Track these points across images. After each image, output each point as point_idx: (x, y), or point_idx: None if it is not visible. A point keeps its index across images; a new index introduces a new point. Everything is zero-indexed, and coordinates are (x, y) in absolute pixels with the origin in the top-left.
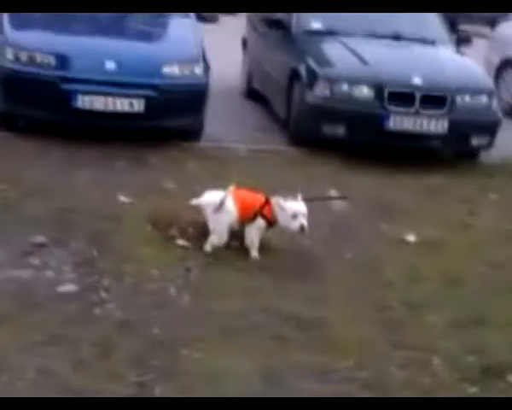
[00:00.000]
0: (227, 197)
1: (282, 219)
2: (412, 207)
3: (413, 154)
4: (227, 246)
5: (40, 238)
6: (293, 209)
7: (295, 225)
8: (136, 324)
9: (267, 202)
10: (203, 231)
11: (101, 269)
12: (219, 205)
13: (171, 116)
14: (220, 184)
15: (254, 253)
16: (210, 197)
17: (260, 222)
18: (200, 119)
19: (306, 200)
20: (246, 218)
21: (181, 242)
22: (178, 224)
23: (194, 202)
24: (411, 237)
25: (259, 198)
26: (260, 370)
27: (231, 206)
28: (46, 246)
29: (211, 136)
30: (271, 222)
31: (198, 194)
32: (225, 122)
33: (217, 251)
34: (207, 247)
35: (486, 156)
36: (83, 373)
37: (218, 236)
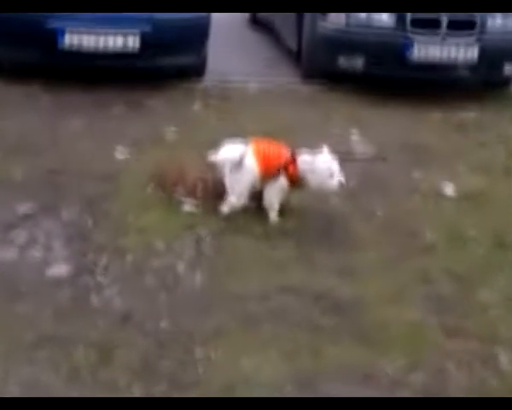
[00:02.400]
0: (247, 152)
1: (315, 178)
2: (445, 150)
3: (440, 86)
4: (245, 208)
5: (25, 207)
6: (329, 167)
7: (333, 183)
8: (140, 316)
9: (293, 158)
10: (214, 191)
11: (98, 244)
12: (239, 162)
13: (170, 53)
14: (230, 130)
15: (274, 216)
16: (228, 153)
17: (283, 181)
18: (202, 54)
19: (335, 157)
20: (268, 176)
21: (189, 204)
22: (185, 182)
23: (212, 158)
24: (449, 189)
25: (284, 153)
26: (291, 375)
27: (252, 162)
28: (32, 217)
29: (215, 72)
30: (296, 182)
31: (205, 144)
32: (229, 56)
33: (231, 215)
34: (224, 208)
35: None
36: (77, 386)
37: (236, 196)
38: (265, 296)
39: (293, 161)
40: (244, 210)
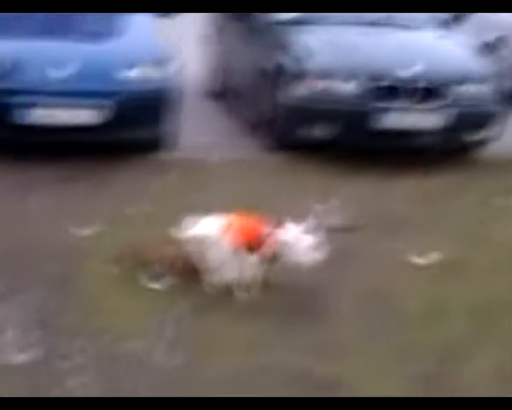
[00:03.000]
0: (223, 229)
1: (293, 253)
2: (417, 219)
3: (408, 153)
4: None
5: None
6: (305, 244)
7: (312, 258)
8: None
9: (268, 234)
10: (182, 270)
11: (65, 328)
12: (216, 237)
13: (134, 127)
14: (197, 205)
15: (245, 293)
16: (198, 229)
17: (254, 258)
18: (165, 127)
19: (312, 229)
20: (242, 251)
21: (158, 284)
22: (152, 261)
23: (189, 233)
24: (424, 259)
25: (260, 229)
26: None
27: (225, 239)
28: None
29: (179, 144)
30: (272, 257)
31: (170, 220)
32: (193, 127)
33: (200, 294)
34: (208, 289)
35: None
36: None
37: (214, 273)
38: (243, 376)
39: (270, 237)
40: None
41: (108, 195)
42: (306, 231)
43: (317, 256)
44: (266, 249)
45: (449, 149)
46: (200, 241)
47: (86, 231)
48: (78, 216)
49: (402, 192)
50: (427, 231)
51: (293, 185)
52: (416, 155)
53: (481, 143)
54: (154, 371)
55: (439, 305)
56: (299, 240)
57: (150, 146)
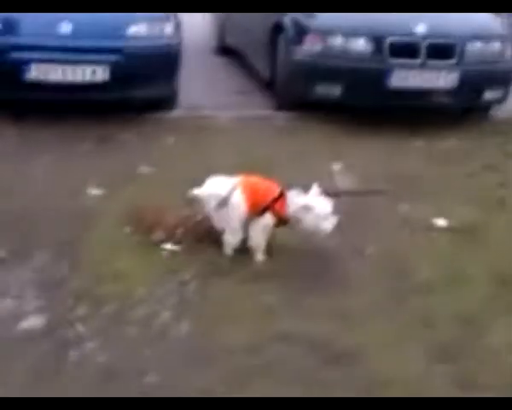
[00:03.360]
0: (234, 188)
1: (309, 220)
2: (431, 181)
3: (420, 113)
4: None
5: None
6: (324, 210)
7: (327, 226)
8: (125, 372)
9: (281, 195)
10: (195, 232)
11: (75, 292)
12: (225, 198)
13: (141, 84)
14: (205, 164)
15: (260, 256)
16: (213, 188)
17: (269, 219)
18: (173, 85)
19: (327, 194)
20: (254, 213)
21: (170, 247)
22: (164, 223)
23: (195, 192)
24: (441, 221)
25: (272, 190)
26: None
27: (239, 198)
28: (3, 262)
29: (186, 103)
30: (284, 220)
31: (181, 180)
32: (200, 85)
33: (215, 257)
34: (227, 250)
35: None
36: None
37: (231, 233)
38: (257, 347)
39: (282, 198)
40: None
41: (118, 154)
42: (323, 195)
43: (334, 222)
44: (283, 211)
45: (463, 109)
46: (217, 200)
47: (96, 192)
48: (88, 176)
49: (416, 153)
50: (443, 194)
51: (305, 145)
52: (429, 115)
53: (496, 102)
54: (163, 338)
55: (459, 271)
56: (317, 205)
57: (159, 104)
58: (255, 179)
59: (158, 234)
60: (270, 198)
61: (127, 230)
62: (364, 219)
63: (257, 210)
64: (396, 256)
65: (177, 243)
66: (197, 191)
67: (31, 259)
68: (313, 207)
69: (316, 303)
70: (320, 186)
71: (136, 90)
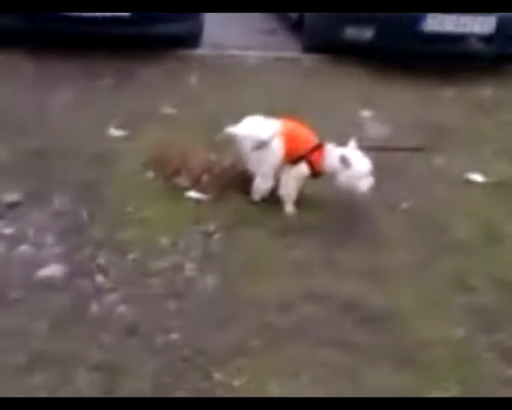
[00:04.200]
0: (274, 131)
1: (347, 177)
2: (466, 133)
3: (453, 59)
4: (272, 194)
5: (12, 195)
6: (363, 168)
7: (365, 186)
8: (147, 328)
9: (319, 146)
10: (222, 179)
11: (95, 239)
12: (265, 141)
13: (165, 19)
14: (231, 107)
15: (290, 207)
16: (252, 128)
17: (304, 169)
18: (199, 21)
19: (364, 148)
20: (290, 160)
21: (194, 194)
22: (189, 168)
23: (231, 131)
24: (477, 176)
25: (311, 139)
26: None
27: (279, 144)
28: (19, 206)
29: (211, 40)
30: (318, 173)
31: (206, 122)
32: (225, 23)
33: (241, 206)
34: (256, 196)
35: None
36: None
37: (263, 179)
38: (288, 306)
39: (320, 149)
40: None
41: (140, 92)
42: (360, 158)
43: (371, 182)
44: (319, 163)
45: (498, 57)
46: (255, 142)
47: (118, 132)
48: (109, 114)
49: (449, 102)
50: (479, 146)
51: (334, 90)
52: (462, 62)
53: None
54: (188, 293)
55: (496, 229)
56: (355, 162)
57: (184, 42)
58: (295, 126)
59: (182, 180)
60: (307, 147)
61: (150, 174)
62: (398, 173)
63: (292, 158)
64: (431, 213)
65: (201, 190)
66: (234, 130)
67: (49, 203)
68: (351, 163)
69: (347, 260)
70: (357, 140)
71: (161, 26)
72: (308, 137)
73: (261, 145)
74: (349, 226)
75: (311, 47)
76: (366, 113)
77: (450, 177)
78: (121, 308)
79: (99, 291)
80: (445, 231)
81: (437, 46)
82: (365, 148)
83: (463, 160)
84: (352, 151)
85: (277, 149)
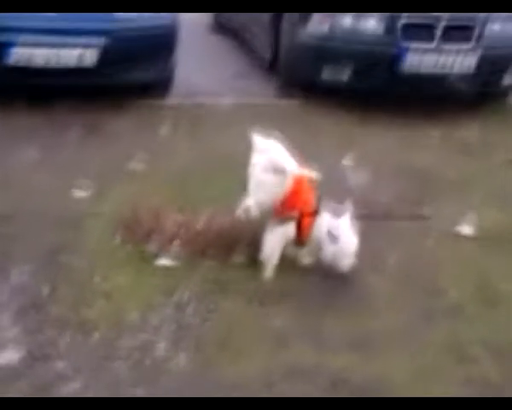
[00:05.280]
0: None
1: (329, 250)
2: (453, 178)
3: (435, 99)
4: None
5: None
6: (349, 247)
7: (345, 265)
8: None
9: (315, 213)
10: (194, 241)
11: (57, 318)
12: (282, 169)
13: (132, 68)
14: (205, 158)
15: (269, 271)
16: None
17: (291, 230)
18: (168, 67)
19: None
20: (280, 214)
21: (166, 261)
22: (160, 231)
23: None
24: (466, 229)
25: (310, 202)
26: None
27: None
28: None
29: (182, 87)
30: (302, 240)
31: (179, 177)
32: (195, 68)
33: (216, 272)
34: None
35: None
36: None
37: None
38: (271, 386)
39: (314, 216)
40: (231, 265)
41: (108, 146)
42: (349, 234)
43: (352, 263)
44: (308, 230)
45: (480, 96)
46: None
47: (84, 192)
48: (75, 172)
49: (432, 145)
50: (467, 193)
51: (312, 135)
52: (444, 102)
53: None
54: (159, 376)
55: (491, 289)
56: (343, 238)
57: (151, 90)
58: (304, 179)
59: (152, 245)
60: (304, 209)
61: (118, 239)
62: (383, 228)
63: (284, 214)
64: (419, 271)
65: (173, 256)
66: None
67: (6, 277)
68: (339, 239)
69: (331, 329)
70: (352, 207)
71: (128, 74)
72: (309, 198)
73: (279, 171)
74: (331, 289)
75: (287, 90)
76: (348, 160)
77: (438, 230)
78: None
79: (59, 379)
80: (435, 292)
81: (416, 86)
82: (365, 216)
83: (451, 210)
84: (343, 224)
85: (287, 188)
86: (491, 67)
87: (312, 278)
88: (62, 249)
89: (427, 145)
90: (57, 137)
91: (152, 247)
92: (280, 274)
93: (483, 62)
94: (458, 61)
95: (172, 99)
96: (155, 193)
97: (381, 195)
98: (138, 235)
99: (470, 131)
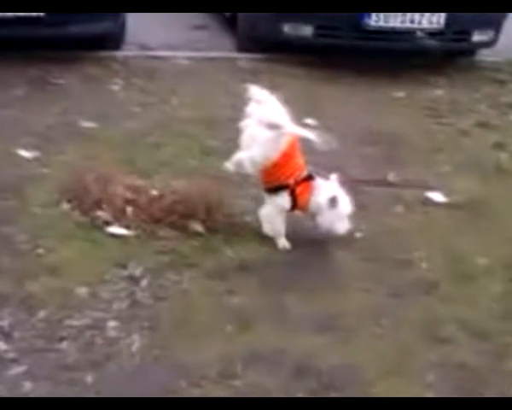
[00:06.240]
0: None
1: (327, 215)
2: (421, 142)
3: (401, 57)
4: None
5: None
6: (346, 209)
7: (342, 228)
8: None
9: (309, 179)
10: (149, 209)
11: None
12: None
13: (82, 19)
14: (160, 118)
15: (282, 242)
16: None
17: (286, 200)
18: (120, 18)
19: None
20: (268, 185)
21: (117, 230)
22: (111, 197)
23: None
24: (436, 196)
25: (301, 167)
26: None
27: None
28: None
29: (135, 40)
30: (297, 208)
31: (131, 138)
32: (150, 18)
33: (172, 244)
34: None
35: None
36: None
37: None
38: (229, 373)
39: (308, 182)
40: (189, 235)
41: (55, 103)
42: (345, 199)
43: (347, 226)
44: (305, 197)
45: (446, 54)
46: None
47: (29, 154)
48: (19, 132)
49: (398, 106)
50: (436, 158)
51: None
52: (409, 60)
53: (485, 45)
54: (108, 361)
55: (465, 262)
56: (341, 202)
57: (104, 43)
58: (295, 143)
59: (103, 213)
60: (295, 175)
61: (65, 206)
62: (350, 195)
63: (273, 183)
64: (389, 243)
65: (126, 225)
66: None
67: None
68: (339, 203)
69: (297, 308)
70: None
71: (78, 26)
72: (301, 162)
73: (275, 126)
74: (296, 264)
75: (247, 46)
76: (310, 121)
77: (407, 198)
78: (27, 386)
79: (2, 362)
80: (406, 265)
81: (382, 43)
82: (350, 182)
83: (421, 176)
84: (337, 188)
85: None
86: (460, 22)
87: (277, 252)
88: (3, 218)
89: (392, 106)
90: (1, 95)
91: (102, 214)
92: (241, 246)
93: (452, 18)
94: (426, 16)
95: (125, 52)
96: (105, 156)
97: (347, 160)
98: (87, 201)
99: (436, 90)
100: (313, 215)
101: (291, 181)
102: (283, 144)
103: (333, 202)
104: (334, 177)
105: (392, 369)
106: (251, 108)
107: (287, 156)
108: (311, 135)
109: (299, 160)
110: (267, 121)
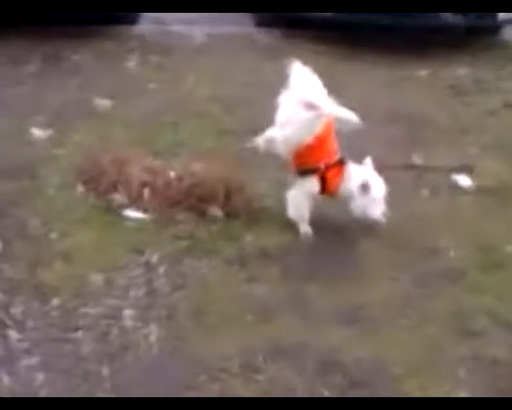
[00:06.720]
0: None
1: (361, 201)
2: (446, 123)
3: (424, 34)
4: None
5: None
6: (379, 194)
7: (377, 213)
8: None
9: (340, 163)
10: (167, 192)
11: (10, 280)
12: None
13: None
14: (176, 97)
15: (304, 227)
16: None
17: (315, 185)
18: None
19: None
20: (301, 165)
21: (134, 214)
22: (127, 180)
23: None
24: (466, 180)
25: (334, 153)
26: None
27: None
28: None
29: (151, 16)
30: (328, 192)
31: (147, 118)
32: None
33: (191, 229)
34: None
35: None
36: None
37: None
38: (251, 367)
39: (340, 167)
40: (207, 220)
41: (69, 80)
42: (380, 184)
43: (383, 209)
44: (335, 183)
45: (470, 31)
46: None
47: (43, 133)
48: (33, 110)
49: (421, 85)
50: (462, 140)
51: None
52: (434, 36)
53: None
54: (124, 353)
55: (494, 250)
56: (374, 186)
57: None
58: (331, 128)
59: (118, 196)
60: (327, 160)
61: (79, 188)
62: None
63: (303, 167)
64: (414, 230)
65: (143, 208)
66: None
67: None
68: (371, 188)
69: (320, 299)
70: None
71: None
72: (333, 147)
73: (314, 108)
74: (319, 252)
75: (267, 21)
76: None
77: (433, 181)
78: (39, 378)
79: (11, 354)
80: (433, 254)
81: (403, 19)
82: (384, 168)
83: (447, 158)
84: (370, 173)
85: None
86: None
87: (299, 238)
88: (16, 201)
89: (415, 85)
90: (14, 71)
91: (118, 197)
92: (262, 232)
93: None
94: None
95: (141, 27)
96: (120, 135)
97: (370, 141)
98: (102, 184)
99: (460, 69)
100: (346, 201)
101: (321, 165)
102: (319, 127)
103: (364, 188)
104: (368, 161)
105: (420, 364)
106: (290, 84)
107: (320, 140)
108: (352, 116)
109: (333, 144)
110: (306, 101)
